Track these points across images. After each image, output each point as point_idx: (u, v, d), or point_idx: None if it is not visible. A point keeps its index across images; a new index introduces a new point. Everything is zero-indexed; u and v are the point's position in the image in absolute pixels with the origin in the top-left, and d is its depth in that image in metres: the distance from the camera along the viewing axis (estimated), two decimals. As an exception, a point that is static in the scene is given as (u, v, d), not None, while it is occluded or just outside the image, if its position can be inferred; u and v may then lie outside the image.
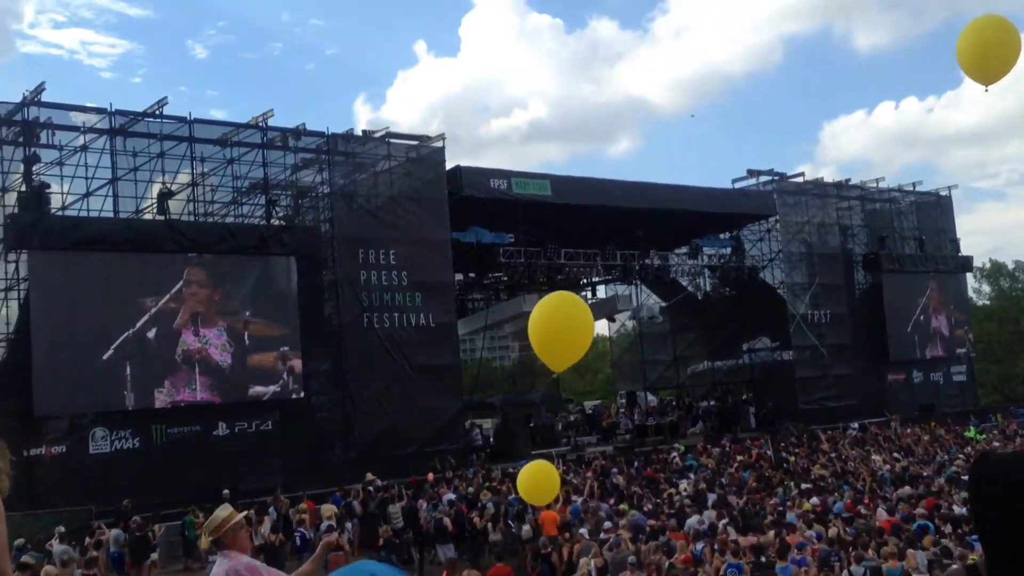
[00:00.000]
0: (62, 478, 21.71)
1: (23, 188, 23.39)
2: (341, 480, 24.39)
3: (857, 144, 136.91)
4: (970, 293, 51.47)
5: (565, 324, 8.24)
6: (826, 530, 18.23)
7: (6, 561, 3.48)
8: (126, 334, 23.37)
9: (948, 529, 17.35)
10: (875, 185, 42.90)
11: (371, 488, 23.53)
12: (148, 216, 25.56)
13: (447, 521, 20.66)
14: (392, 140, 29.37)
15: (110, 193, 24.64)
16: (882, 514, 19.93)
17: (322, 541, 6.64)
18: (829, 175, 46.27)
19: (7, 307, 23.36)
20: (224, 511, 6.45)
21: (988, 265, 67.55)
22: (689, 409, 39.94)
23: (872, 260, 41.22)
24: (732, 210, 37.51)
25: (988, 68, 7.15)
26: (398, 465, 25.32)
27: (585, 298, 39.77)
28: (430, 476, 24.91)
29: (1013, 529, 2.33)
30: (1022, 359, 58.93)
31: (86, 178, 24.61)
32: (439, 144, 29.95)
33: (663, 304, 43.72)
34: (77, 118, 24.81)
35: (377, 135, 29.24)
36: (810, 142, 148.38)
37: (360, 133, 29.33)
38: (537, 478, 9.93)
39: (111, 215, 24.63)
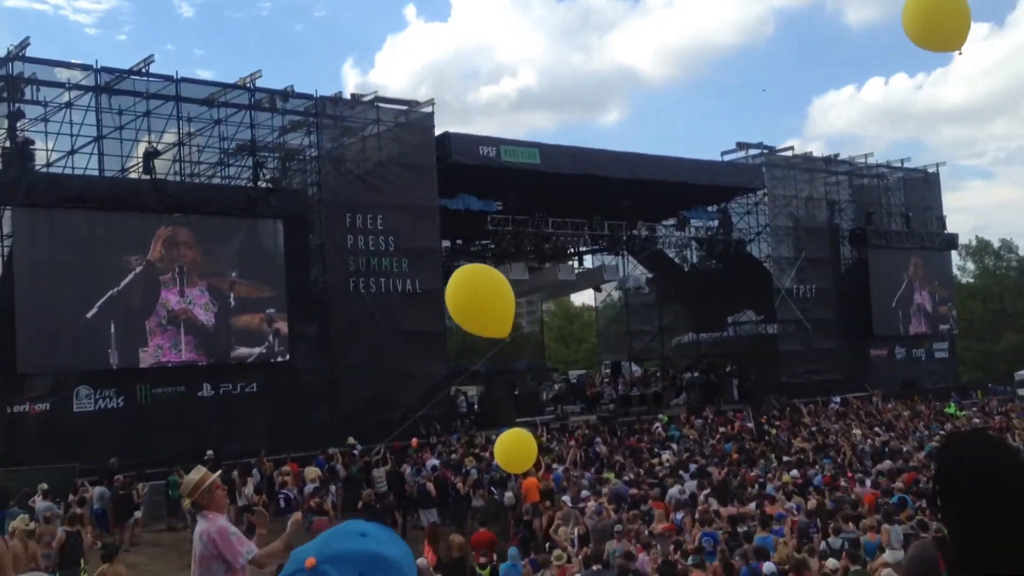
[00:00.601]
0: (45, 436, 21.65)
1: (7, 144, 23.14)
2: (325, 443, 24.46)
3: (845, 119, 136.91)
4: (954, 271, 51.74)
5: (478, 294, 8.13)
6: (805, 502, 18.42)
7: None
8: (110, 292, 23.24)
9: (925, 504, 17.54)
10: (863, 161, 42.98)
11: (355, 452, 23.64)
12: (134, 175, 25.34)
13: (430, 486, 20.79)
14: (381, 104, 29.15)
15: (95, 151, 24.39)
16: (863, 487, 20.13)
17: (291, 520, 6.69)
18: (817, 150, 46.36)
19: (-10, 263, 23.16)
20: (197, 474, 6.53)
21: (974, 243, 68.00)
22: (673, 380, 40.14)
23: (859, 235, 41.36)
24: (720, 183, 37.49)
25: (934, 36, 6.66)
26: (382, 430, 25.37)
27: (572, 268, 39.81)
28: (414, 441, 25.01)
29: (983, 510, 2.35)
30: (1004, 337, 59.46)
31: (71, 135, 24.33)
32: (428, 110, 29.76)
33: (649, 275, 43.78)
34: (62, 74, 24.50)
35: (366, 99, 29.02)
36: (799, 117, 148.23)
37: (349, 97, 29.11)
38: (515, 446, 9.94)
39: (96, 173, 24.39)
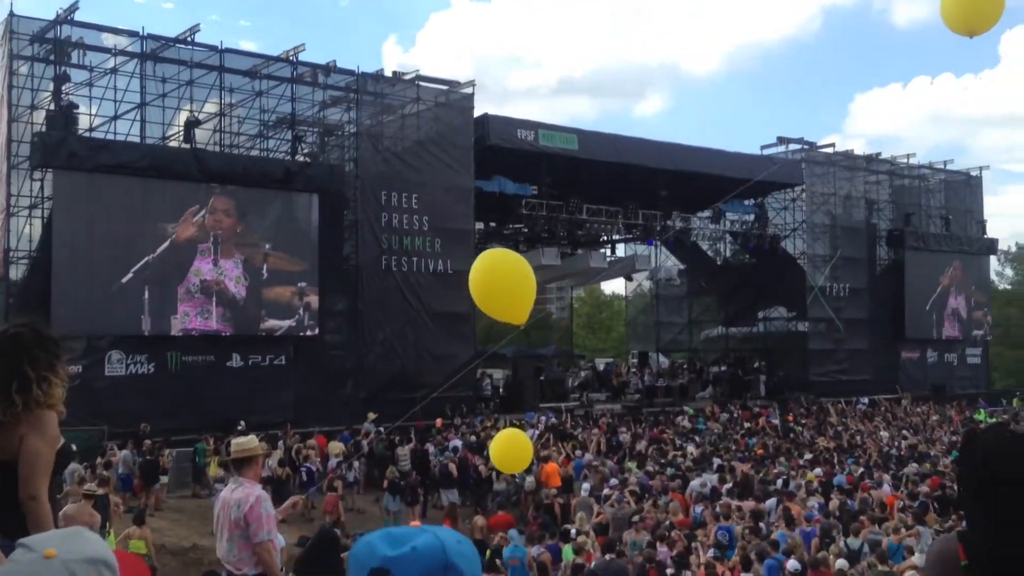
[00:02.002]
0: (76, 398, 21.76)
1: (51, 107, 23.40)
2: (350, 418, 24.65)
3: (888, 118, 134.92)
4: (992, 276, 51.02)
5: (503, 276, 8.16)
6: (827, 502, 18.33)
7: (44, 481, 3.46)
8: (145, 259, 23.49)
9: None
10: (905, 161, 42.40)
11: (381, 429, 23.81)
12: (174, 143, 25.56)
13: (452, 467, 20.90)
14: (421, 83, 29.15)
15: (137, 118, 24.64)
16: (886, 490, 20.00)
17: (288, 503, 7.07)
18: (858, 148, 45.73)
19: (31, 225, 23.48)
20: (252, 442, 6.75)
21: (1013, 248, 66.88)
22: (700, 373, 39.99)
23: (896, 236, 40.84)
24: (758, 177, 37.12)
25: (971, 18, 6.62)
26: (406, 408, 25.45)
27: (604, 256, 39.66)
28: (439, 422, 25.12)
29: (1006, 504, 2.37)
30: (1040, 345, 58.42)
31: (114, 101, 24.58)
32: (468, 91, 29.73)
33: (681, 267, 43.55)
34: (108, 40, 24.71)
35: (407, 77, 29.02)
36: (840, 114, 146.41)
37: (390, 74, 29.13)
38: (509, 447, 10.01)
39: (137, 140, 24.64)
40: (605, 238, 39.17)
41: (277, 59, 26.61)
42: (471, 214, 29.66)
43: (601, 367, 41.93)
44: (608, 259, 40.04)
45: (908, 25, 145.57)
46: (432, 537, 1.75)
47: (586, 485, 19.46)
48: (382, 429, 23.89)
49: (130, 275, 23.25)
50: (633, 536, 14.77)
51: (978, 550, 2.47)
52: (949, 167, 44.01)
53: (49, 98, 23.56)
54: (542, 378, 33.75)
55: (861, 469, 23.17)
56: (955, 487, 19.79)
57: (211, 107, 26.11)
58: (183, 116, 25.51)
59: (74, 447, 18.58)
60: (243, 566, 6.33)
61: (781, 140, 38.80)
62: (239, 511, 6.30)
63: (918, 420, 34.25)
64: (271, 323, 25.51)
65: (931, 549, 2.95)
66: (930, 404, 37.64)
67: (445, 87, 29.75)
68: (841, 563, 12.07)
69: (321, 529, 10.34)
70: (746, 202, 38.83)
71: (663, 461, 23.10)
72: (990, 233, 45.91)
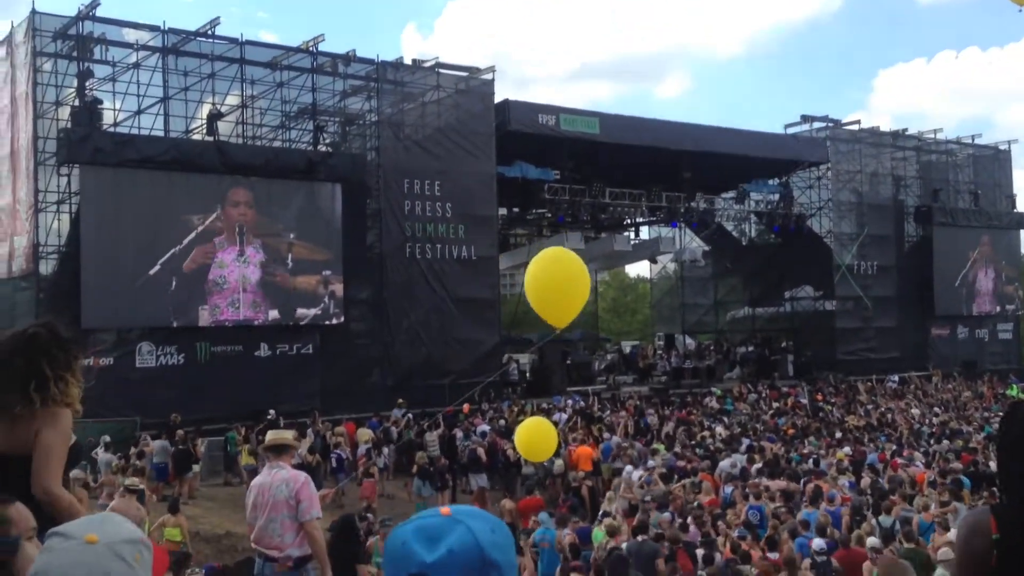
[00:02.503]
0: (108, 389, 22.14)
1: (76, 103, 23.61)
2: (377, 406, 24.81)
3: (913, 94, 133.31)
4: (1023, 250, 50.36)
5: (562, 283, 8.20)
6: (858, 480, 18.24)
7: (58, 473, 3.52)
8: (172, 251, 23.69)
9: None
10: (932, 136, 41.90)
11: (409, 416, 23.98)
12: (197, 136, 25.73)
13: (481, 451, 20.99)
14: (441, 71, 29.13)
15: (161, 112, 24.80)
16: (918, 467, 19.89)
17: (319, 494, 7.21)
18: (884, 124, 45.12)
19: (59, 220, 23.74)
20: (289, 433, 6.95)
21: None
22: (727, 354, 39.87)
23: (924, 212, 40.42)
24: (782, 156, 36.88)
25: None
26: (433, 395, 25.66)
27: (628, 239, 39.57)
28: (466, 407, 25.24)
29: None
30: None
31: (138, 96, 24.74)
32: (489, 77, 29.68)
33: (706, 248, 43.38)
34: (130, 35, 24.87)
35: (427, 65, 29.02)
36: (864, 90, 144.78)
37: (409, 63, 29.13)
38: (535, 435, 10.04)
39: (161, 134, 24.83)
40: (629, 221, 39.07)
41: (297, 50, 26.68)
42: (494, 200, 29.67)
43: (627, 350, 41.89)
44: (632, 242, 39.96)
45: (930, 1, 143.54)
46: (466, 532, 1.73)
47: (629, 467, 19.44)
48: (411, 415, 24.06)
49: (157, 267, 23.47)
50: (662, 515, 14.76)
51: (1012, 524, 2.47)
52: (977, 142, 43.47)
53: (73, 94, 23.76)
54: (569, 362, 33.79)
55: (893, 447, 23.05)
56: (988, 463, 19.66)
57: (233, 99, 26.24)
58: (205, 109, 25.65)
59: (108, 438, 18.92)
60: (287, 546, 6.37)
61: (805, 118, 38.50)
62: (289, 489, 6.37)
63: (949, 397, 33.98)
64: (298, 312, 25.68)
65: (962, 521, 2.94)
66: (961, 380, 37.31)
67: (465, 74, 29.71)
68: (873, 541, 12.00)
69: (342, 518, 10.46)
70: (770, 181, 38.62)
71: (692, 443, 23.09)
72: (1020, 207, 45.35)
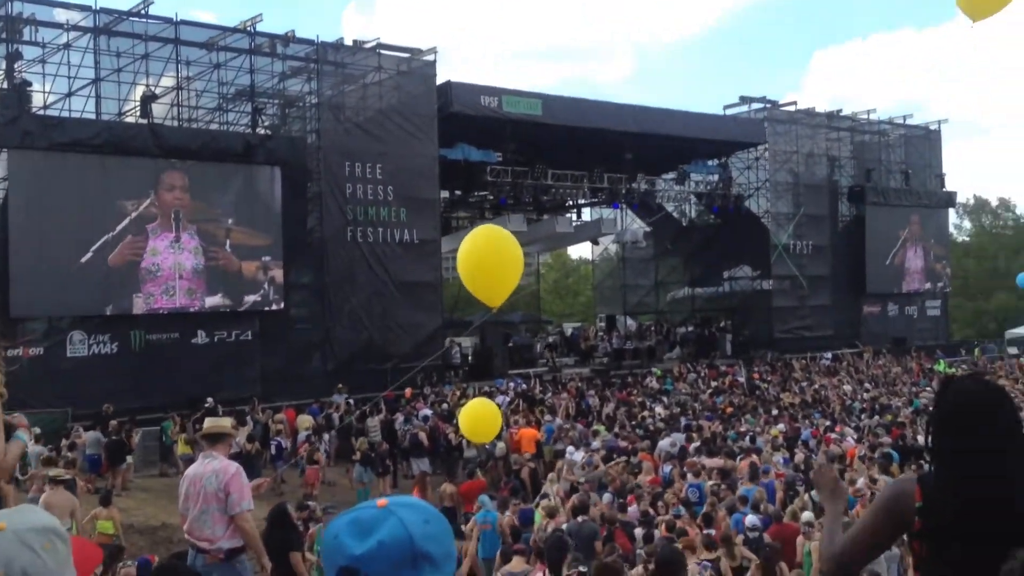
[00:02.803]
0: (39, 380, 21.66)
1: (4, 86, 22.97)
2: (318, 392, 24.70)
3: (848, 75, 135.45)
4: (951, 229, 51.78)
5: (494, 261, 8.27)
6: (792, 457, 18.72)
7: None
8: (105, 237, 23.21)
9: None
10: (866, 117, 42.72)
11: (351, 401, 23.89)
12: (131, 119, 25.19)
13: (423, 436, 21.04)
14: (383, 52, 28.85)
15: (93, 94, 24.20)
16: (849, 442, 20.45)
17: (253, 483, 7.03)
18: (819, 106, 45.95)
19: (-14, 206, 23.11)
20: (226, 421, 6.87)
21: (972, 201, 67.84)
22: (667, 335, 40.38)
23: (857, 192, 41.29)
24: (721, 137, 37.32)
25: (980, 2, 6.92)
26: (375, 379, 25.63)
27: (570, 220, 39.77)
28: (408, 391, 25.23)
29: (973, 442, 2.58)
30: (996, 296, 59.62)
31: (68, 77, 24.11)
32: (431, 58, 29.47)
33: (647, 229, 43.79)
34: (60, 15, 24.25)
35: (368, 46, 28.72)
36: (800, 72, 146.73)
37: (350, 43, 28.82)
38: (478, 417, 10.12)
39: (93, 116, 24.26)
40: (571, 203, 39.28)
41: (234, 30, 26.22)
42: (436, 183, 29.58)
43: (569, 332, 42.20)
44: (574, 224, 40.14)
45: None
46: (397, 525, 1.73)
47: (571, 448, 19.62)
48: (351, 401, 23.99)
49: (90, 254, 22.98)
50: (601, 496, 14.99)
51: (935, 493, 2.63)
52: (908, 122, 44.45)
53: (1, 77, 23.11)
54: (510, 344, 33.93)
55: (827, 423, 23.66)
56: (915, 437, 20.31)
57: (168, 81, 25.69)
58: (139, 91, 25.10)
59: (38, 430, 18.50)
60: (218, 539, 6.34)
61: (743, 99, 38.99)
62: (218, 481, 6.33)
63: (879, 372, 34.90)
64: (235, 298, 25.37)
65: (885, 488, 3.12)
66: (890, 356, 38.32)
67: (407, 55, 29.46)
68: (807, 515, 12.37)
69: (275, 507, 10.45)
70: (710, 162, 39.08)
71: (632, 423, 23.41)
72: (949, 187, 46.53)
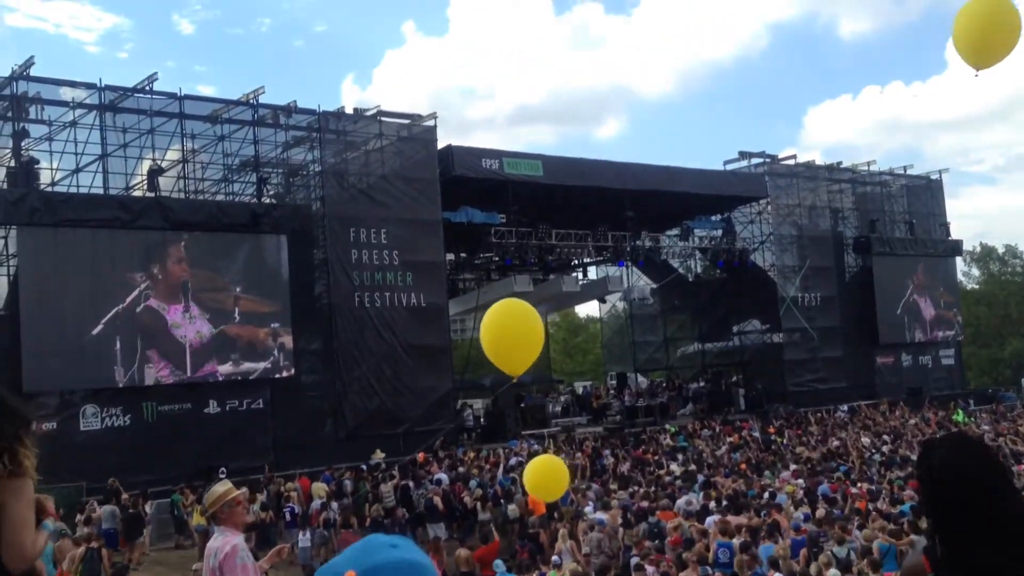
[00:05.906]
0: (53, 454, 21.40)
1: (12, 164, 23.20)
2: (330, 458, 24.43)
3: (842, 128, 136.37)
4: (959, 277, 51.65)
5: (516, 332, 8.29)
6: (813, 512, 18.34)
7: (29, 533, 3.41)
8: (115, 310, 23.24)
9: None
10: (866, 168, 42.94)
11: (362, 468, 23.58)
12: (138, 193, 25.39)
13: (437, 500, 20.73)
14: (383, 119, 29.19)
15: (100, 169, 24.47)
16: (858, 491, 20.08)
17: (274, 551, 6.85)
18: (816, 159, 46.22)
19: (-3, 282, 23.20)
20: (222, 487, 6.60)
21: (978, 249, 67.84)
22: (679, 391, 40.07)
23: (862, 243, 41.29)
24: (723, 192, 37.50)
25: (984, 51, 6.91)
26: (387, 444, 25.38)
27: (576, 279, 39.76)
28: (421, 455, 24.97)
29: (963, 514, 2.47)
30: (1010, 343, 59.26)
31: (76, 154, 24.40)
32: (431, 123, 29.81)
33: (654, 286, 43.75)
34: (66, 93, 24.59)
35: (368, 114, 29.08)
36: (795, 127, 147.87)
37: (351, 112, 29.17)
38: (546, 472, 9.90)
39: (101, 191, 24.46)
40: (576, 261, 39.31)
41: (237, 103, 26.57)
42: (441, 246, 29.66)
43: (580, 391, 41.90)
44: (580, 282, 40.15)
45: (853, 38, 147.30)
46: None
47: (589, 508, 19.28)
48: (364, 467, 23.72)
49: (100, 327, 22.98)
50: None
51: (940, 563, 2.59)
52: (908, 172, 44.63)
53: (9, 155, 23.36)
54: (522, 405, 33.67)
55: (851, 476, 23.29)
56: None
57: (174, 154, 25.99)
58: (146, 165, 25.35)
59: (62, 511, 18.27)
60: None
61: (743, 155, 39.24)
62: (215, 560, 6.22)
63: (897, 424, 34.45)
64: (246, 366, 25.28)
65: (904, 564, 3.07)
66: (905, 407, 37.85)
67: (407, 121, 29.81)
68: (833, 573, 12.08)
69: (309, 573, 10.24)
70: (713, 218, 39.18)
71: (644, 480, 23.06)
72: (954, 235, 46.55)
